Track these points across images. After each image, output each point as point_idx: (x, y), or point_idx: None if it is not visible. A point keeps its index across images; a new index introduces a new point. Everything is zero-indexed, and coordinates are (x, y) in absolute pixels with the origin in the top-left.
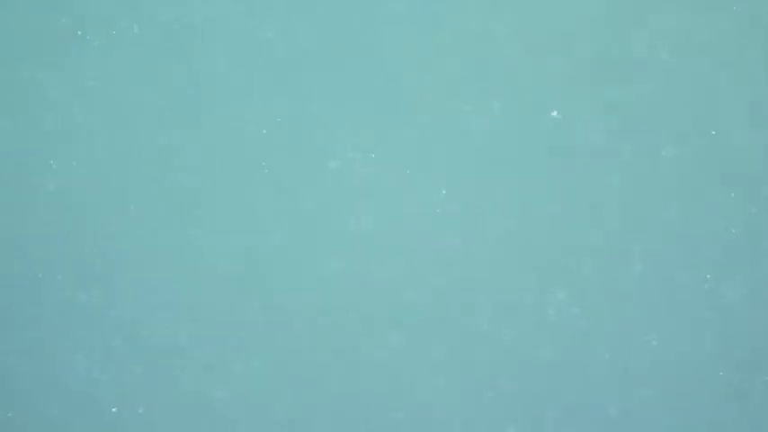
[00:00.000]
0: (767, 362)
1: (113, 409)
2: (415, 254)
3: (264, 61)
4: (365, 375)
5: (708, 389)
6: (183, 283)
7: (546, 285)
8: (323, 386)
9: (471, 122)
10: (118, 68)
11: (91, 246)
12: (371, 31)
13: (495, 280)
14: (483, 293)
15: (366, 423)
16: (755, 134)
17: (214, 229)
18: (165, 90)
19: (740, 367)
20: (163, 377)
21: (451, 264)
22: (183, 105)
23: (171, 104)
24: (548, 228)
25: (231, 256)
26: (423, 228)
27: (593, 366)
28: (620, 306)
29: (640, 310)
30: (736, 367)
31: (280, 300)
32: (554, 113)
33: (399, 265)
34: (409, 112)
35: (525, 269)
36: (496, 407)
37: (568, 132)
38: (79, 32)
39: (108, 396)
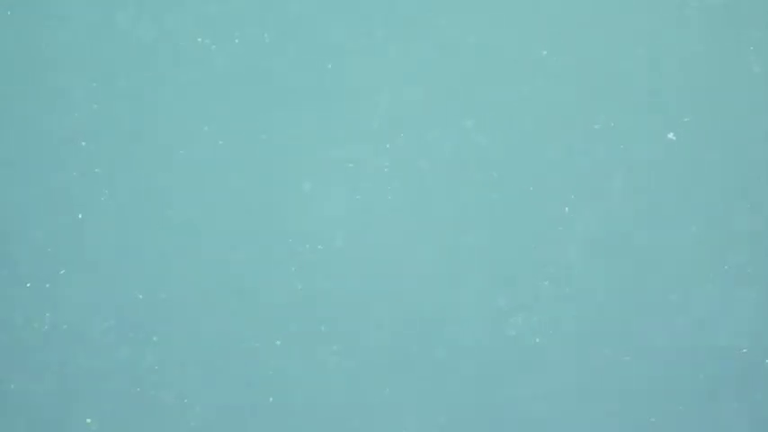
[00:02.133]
0: (742, 384)
1: (88, 420)
2: (384, 271)
3: (246, 78)
4: (329, 390)
5: (679, 404)
6: (150, 303)
7: (510, 303)
8: (291, 402)
9: (442, 139)
10: (99, 81)
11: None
12: (354, 47)
13: (464, 296)
14: (452, 311)
15: None
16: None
17: (191, 246)
18: (147, 105)
19: (713, 381)
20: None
21: (421, 282)
22: (169, 119)
23: (158, 118)
24: (523, 245)
25: (210, 271)
26: (393, 245)
27: (557, 385)
28: (587, 321)
29: (608, 326)
30: (710, 383)
31: (250, 319)
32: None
33: (370, 282)
34: (384, 128)
35: (495, 286)
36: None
37: (537, 148)
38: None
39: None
